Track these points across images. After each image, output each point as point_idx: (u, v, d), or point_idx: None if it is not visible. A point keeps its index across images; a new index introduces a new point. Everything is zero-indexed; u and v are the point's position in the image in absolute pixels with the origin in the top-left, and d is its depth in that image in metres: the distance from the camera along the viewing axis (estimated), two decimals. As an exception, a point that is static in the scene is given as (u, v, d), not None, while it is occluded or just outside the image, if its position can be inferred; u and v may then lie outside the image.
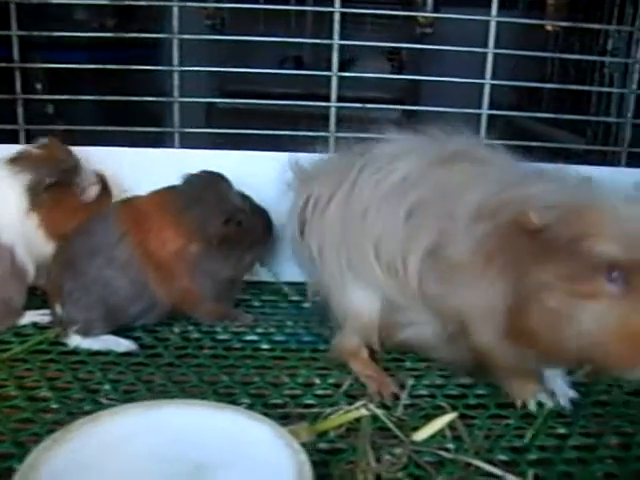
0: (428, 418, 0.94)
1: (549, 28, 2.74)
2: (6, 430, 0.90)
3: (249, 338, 1.21)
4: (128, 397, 0.99)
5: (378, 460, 0.85)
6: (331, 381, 1.06)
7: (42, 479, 0.73)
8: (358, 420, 0.94)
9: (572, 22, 2.31)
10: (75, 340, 1.14)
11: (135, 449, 0.79)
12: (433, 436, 0.91)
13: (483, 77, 1.50)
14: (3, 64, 1.49)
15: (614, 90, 2.09)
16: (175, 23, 1.45)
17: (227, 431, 0.83)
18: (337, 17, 1.43)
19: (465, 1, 2.12)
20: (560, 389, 1.00)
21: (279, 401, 1.00)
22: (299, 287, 1.40)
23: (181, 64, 1.49)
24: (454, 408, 0.98)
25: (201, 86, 2.58)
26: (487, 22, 1.46)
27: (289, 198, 1.22)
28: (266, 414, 0.87)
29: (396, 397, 1.01)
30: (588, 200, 0.83)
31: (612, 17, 2.17)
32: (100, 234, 1.15)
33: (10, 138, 1.50)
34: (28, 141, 1.50)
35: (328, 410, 0.96)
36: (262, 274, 1.40)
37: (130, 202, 1.20)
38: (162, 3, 1.49)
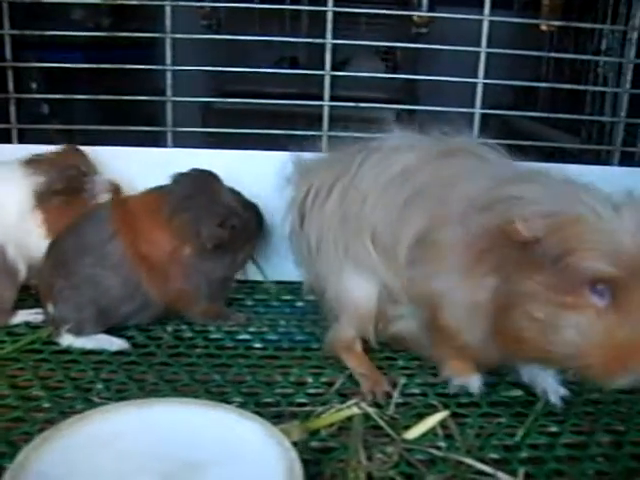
0: (420, 417, 0.95)
1: (544, 28, 2.74)
2: (-3, 429, 0.90)
3: (242, 337, 1.21)
4: (120, 396, 0.98)
5: (369, 458, 0.85)
6: (323, 380, 1.06)
7: (32, 478, 0.73)
8: (350, 418, 0.94)
9: (566, 22, 2.32)
10: (67, 339, 1.14)
11: (126, 447, 0.80)
12: (425, 434, 0.91)
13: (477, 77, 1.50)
14: (-5, 63, 1.49)
15: (608, 89, 2.09)
16: (168, 23, 1.45)
17: (218, 429, 0.83)
18: (330, 16, 1.43)
19: (460, 1, 2.12)
20: (551, 387, 1.00)
21: (271, 400, 1.00)
22: (291, 286, 1.40)
23: (175, 64, 1.49)
24: (446, 407, 0.98)
25: (198, 86, 2.58)
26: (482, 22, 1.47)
27: (288, 191, 1.22)
28: (258, 413, 0.87)
29: (389, 395, 1.01)
30: (575, 209, 0.82)
31: (606, 17, 2.17)
32: (91, 234, 1.15)
33: (3, 137, 1.50)
34: (21, 140, 1.50)
35: (320, 409, 0.96)
36: (252, 272, 1.40)
37: (122, 202, 1.20)
38: (155, 2, 1.49)
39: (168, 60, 1.48)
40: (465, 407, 0.99)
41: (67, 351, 1.13)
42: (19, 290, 1.25)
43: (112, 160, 1.37)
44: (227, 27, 2.81)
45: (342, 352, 1.11)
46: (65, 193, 1.24)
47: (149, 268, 1.15)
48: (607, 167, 1.58)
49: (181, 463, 0.77)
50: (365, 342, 1.19)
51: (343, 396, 1.00)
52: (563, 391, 1.01)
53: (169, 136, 1.51)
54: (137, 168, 1.37)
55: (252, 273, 1.40)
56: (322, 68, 1.48)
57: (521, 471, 0.83)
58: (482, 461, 0.85)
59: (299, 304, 1.37)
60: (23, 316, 1.23)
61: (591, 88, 2.22)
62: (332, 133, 1.45)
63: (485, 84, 1.50)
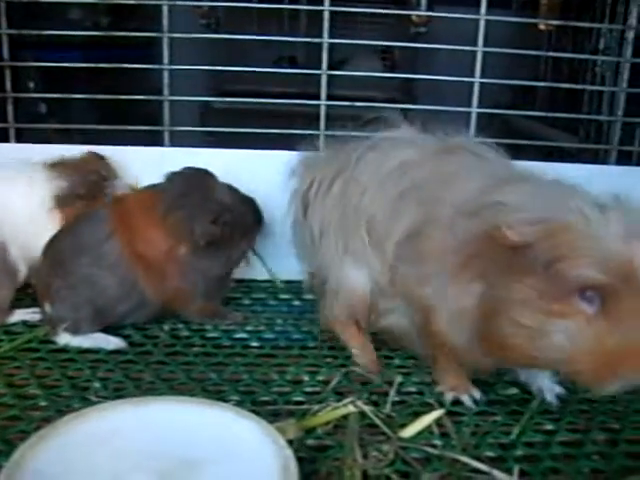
0: (416, 415, 0.95)
1: (542, 27, 2.74)
2: (-6, 428, 0.90)
3: (239, 336, 1.21)
4: (117, 394, 0.99)
5: (365, 456, 0.85)
6: (320, 378, 1.06)
7: (28, 476, 0.73)
8: (346, 417, 0.94)
9: (564, 21, 2.32)
10: (64, 338, 1.14)
11: (123, 445, 0.80)
12: (420, 433, 0.91)
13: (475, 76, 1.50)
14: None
15: (605, 89, 2.10)
16: (165, 22, 1.46)
17: (215, 428, 0.83)
18: (326, 16, 1.43)
19: (459, 0, 2.12)
20: (547, 385, 1.01)
21: (268, 398, 1.00)
22: (288, 285, 1.41)
23: (174, 63, 1.49)
24: (442, 405, 0.98)
25: (196, 86, 2.58)
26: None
27: (292, 182, 1.23)
28: (255, 411, 0.88)
29: (386, 393, 1.01)
30: (564, 214, 0.81)
31: (604, 16, 2.17)
32: (88, 233, 1.15)
33: (1, 137, 1.50)
34: (18, 140, 1.50)
35: (316, 407, 0.96)
36: (253, 270, 1.40)
37: (118, 201, 1.20)
38: (152, 2, 1.49)
39: (165, 59, 1.48)
40: (461, 406, 0.99)
41: (64, 350, 1.13)
42: (17, 289, 1.25)
43: (110, 159, 1.37)
44: (226, 26, 2.81)
45: (337, 326, 1.12)
46: (86, 198, 1.28)
47: (146, 267, 1.15)
48: (604, 166, 1.58)
49: (178, 461, 0.77)
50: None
51: (339, 394, 1.01)
52: (559, 389, 1.01)
53: (166, 135, 1.51)
54: (135, 167, 1.37)
55: (252, 272, 1.41)
56: (320, 67, 1.49)
57: (516, 469, 0.84)
58: (478, 459, 0.85)
59: (296, 303, 1.37)
60: (20, 315, 1.23)
61: (589, 87, 2.22)
62: (329, 132, 1.45)
63: (483, 83, 1.50)
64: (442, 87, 1.67)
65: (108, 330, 1.16)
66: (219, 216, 1.17)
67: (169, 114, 1.51)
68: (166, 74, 1.49)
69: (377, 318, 1.09)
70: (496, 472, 0.83)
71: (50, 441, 0.78)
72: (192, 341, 1.19)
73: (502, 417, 0.96)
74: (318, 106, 1.50)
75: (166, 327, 1.23)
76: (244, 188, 1.27)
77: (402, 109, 1.23)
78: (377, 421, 0.93)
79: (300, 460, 0.78)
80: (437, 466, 0.84)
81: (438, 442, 0.90)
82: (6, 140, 1.50)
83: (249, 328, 1.24)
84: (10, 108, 1.50)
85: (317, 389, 1.03)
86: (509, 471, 0.83)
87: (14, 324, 1.21)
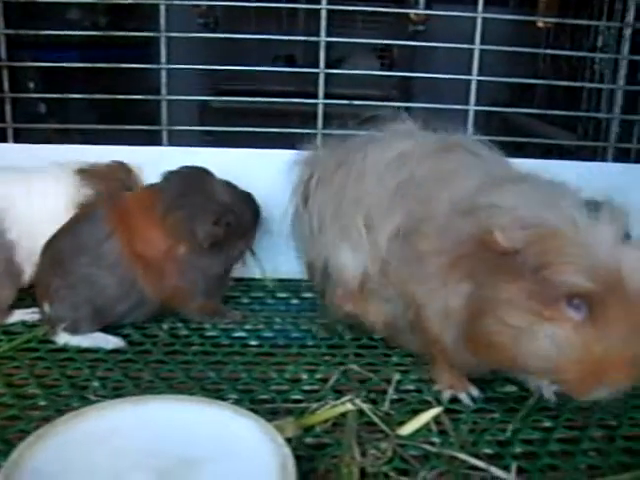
0: (414, 413, 0.95)
1: (541, 25, 2.74)
2: (-7, 427, 0.90)
3: (237, 335, 1.21)
4: (116, 394, 0.99)
5: (363, 454, 0.85)
6: (318, 376, 1.07)
7: (26, 475, 0.74)
8: (344, 415, 0.94)
9: (562, 19, 2.32)
10: (63, 338, 1.14)
11: (122, 444, 0.80)
12: (418, 430, 0.92)
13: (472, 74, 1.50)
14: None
15: (603, 86, 2.10)
16: (162, 21, 1.46)
17: (213, 426, 0.84)
18: (324, 14, 1.43)
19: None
20: (544, 382, 1.01)
21: (266, 396, 1.00)
22: (287, 284, 1.41)
23: (172, 62, 1.50)
24: (440, 403, 0.98)
25: (195, 85, 2.58)
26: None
27: (294, 173, 1.24)
28: (254, 410, 0.88)
29: (384, 391, 1.01)
30: (554, 219, 0.81)
31: (602, 14, 2.17)
32: (87, 233, 1.15)
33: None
34: (17, 140, 1.51)
35: (315, 405, 0.96)
36: (249, 269, 1.40)
37: (117, 200, 1.20)
38: (150, 1, 1.49)
39: (163, 59, 1.49)
40: (459, 403, 0.99)
41: (63, 349, 1.13)
42: (21, 289, 1.25)
43: (108, 159, 1.37)
44: (224, 25, 2.81)
45: (342, 302, 1.12)
46: None
47: (145, 266, 1.15)
48: (602, 163, 1.58)
49: (176, 460, 0.77)
50: (360, 338, 1.20)
51: (338, 392, 1.01)
52: (556, 386, 1.01)
53: (164, 135, 1.52)
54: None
55: (249, 270, 1.41)
56: (318, 66, 1.49)
57: (513, 466, 0.84)
58: (476, 456, 0.85)
59: (295, 302, 1.37)
60: (19, 315, 1.23)
61: (587, 85, 2.22)
62: (326, 131, 1.45)
63: (481, 81, 1.50)
64: (440, 85, 1.67)
65: (107, 329, 1.17)
66: (221, 217, 1.16)
67: (167, 113, 1.51)
68: (163, 73, 1.50)
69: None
70: (494, 469, 0.83)
71: (49, 440, 0.79)
72: (191, 340, 1.19)
73: (500, 414, 0.97)
74: (316, 105, 1.50)
75: (165, 326, 1.23)
76: (242, 187, 1.27)
77: (400, 107, 1.24)
78: (375, 419, 0.93)
79: (298, 458, 0.78)
80: (435, 463, 0.85)
81: (436, 440, 0.90)
82: (4, 140, 1.51)
83: (248, 327, 1.24)
84: (8, 108, 1.50)
85: (315, 387, 1.03)
86: (507, 468, 0.84)
87: (13, 324, 1.21)
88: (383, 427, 0.92)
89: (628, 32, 1.57)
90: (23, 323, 1.22)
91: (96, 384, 1.02)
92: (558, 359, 0.80)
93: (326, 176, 1.15)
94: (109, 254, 1.14)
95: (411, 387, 1.04)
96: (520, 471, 0.84)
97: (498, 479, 0.82)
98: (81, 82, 1.92)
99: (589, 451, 0.89)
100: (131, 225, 1.15)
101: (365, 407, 0.95)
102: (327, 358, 1.13)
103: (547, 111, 1.81)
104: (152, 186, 1.20)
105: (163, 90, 1.50)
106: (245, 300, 1.37)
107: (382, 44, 3.01)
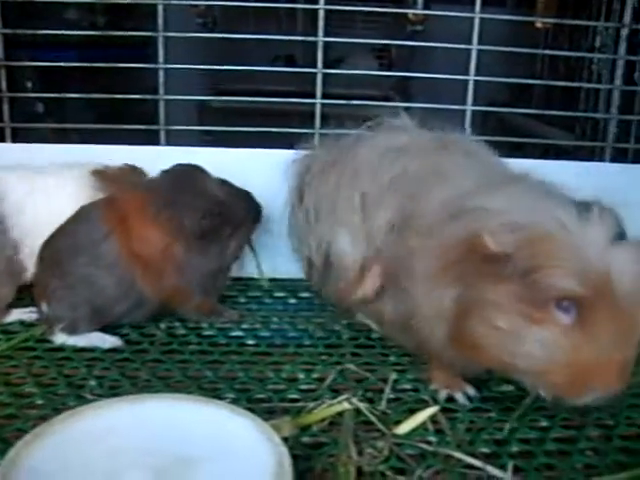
0: (411, 412, 0.95)
1: (539, 25, 2.75)
2: (-10, 426, 0.90)
3: (234, 334, 1.21)
4: (113, 393, 0.99)
5: (360, 453, 0.86)
6: (315, 376, 1.07)
7: (23, 474, 0.74)
8: (341, 414, 0.94)
9: (560, 19, 2.32)
10: (61, 338, 1.14)
11: (119, 443, 0.80)
12: (415, 429, 0.92)
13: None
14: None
15: (600, 86, 2.10)
16: (160, 21, 1.46)
17: (210, 425, 0.84)
18: (322, 14, 1.44)
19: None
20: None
21: (263, 396, 1.00)
22: (284, 283, 1.41)
23: (171, 62, 1.50)
24: (436, 402, 0.98)
25: (194, 85, 2.58)
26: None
27: (291, 170, 1.25)
28: (250, 409, 0.88)
29: (381, 390, 1.02)
30: (544, 223, 0.81)
31: (600, 14, 2.18)
32: (85, 233, 1.15)
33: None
34: (15, 139, 1.51)
35: (311, 404, 0.96)
36: (247, 269, 1.40)
37: (113, 200, 1.20)
38: (147, 1, 1.49)
39: (160, 58, 1.49)
40: (455, 402, 1.00)
41: (60, 348, 1.13)
42: (21, 288, 1.25)
43: (107, 158, 1.37)
44: (222, 25, 2.81)
45: (343, 293, 1.12)
46: None
47: (143, 266, 1.15)
48: (600, 163, 1.58)
49: (173, 458, 0.78)
50: (358, 338, 1.20)
51: (334, 392, 1.01)
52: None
53: (162, 135, 1.52)
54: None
55: (247, 270, 1.41)
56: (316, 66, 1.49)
57: (510, 465, 0.84)
58: (472, 455, 0.86)
59: (292, 301, 1.37)
60: (17, 314, 1.23)
61: (585, 85, 2.23)
62: (324, 131, 1.46)
63: (479, 81, 1.50)
64: (438, 85, 1.67)
65: (104, 329, 1.17)
66: (208, 211, 1.16)
67: (165, 113, 1.51)
68: (161, 73, 1.50)
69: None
70: (490, 468, 0.83)
71: (46, 439, 0.79)
72: (188, 339, 1.19)
73: (496, 414, 0.97)
74: (314, 104, 1.50)
75: (162, 325, 1.23)
76: (241, 187, 1.27)
77: (398, 107, 1.24)
78: (372, 418, 0.94)
79: (295, 457, 0.78)
80: (432, 462, 0.85)
81: (433, 439, 0.90)
82: (2, 140, 1.50)
83: (245, 326, 1.24)
84: (6, 107, 1.50)
85: (312, 386, 1.03)
86: (503, 467, 0.84)
87: (11, 323, 1.22)
88: (380, 426, 0.92)
89: (625, 32, 1.57)
90: (21, 322, 1.22)
91: (93, 383, 1.02)
92: (547, 362, 0.80)
93: (322, 172, 1.15)
94: (107, 254, 1.14)
95: (408, 386, 1.04)
96: (517, 470, 0.84)
97: (495, 478, 0.82)
98: (79, 82, 1.92)
99: (586, 450, 0.89)
100: (128, 225, 1.15)
101: (362, 406, 0.96)
102: (324, 357, 1.13)
103: (545, 111, 1.81)
104: (147, 185, 1.20)
105: (161, 90, 1.50)
106: (242, 299, 1.38)
107: (380, 44, 3.01)
